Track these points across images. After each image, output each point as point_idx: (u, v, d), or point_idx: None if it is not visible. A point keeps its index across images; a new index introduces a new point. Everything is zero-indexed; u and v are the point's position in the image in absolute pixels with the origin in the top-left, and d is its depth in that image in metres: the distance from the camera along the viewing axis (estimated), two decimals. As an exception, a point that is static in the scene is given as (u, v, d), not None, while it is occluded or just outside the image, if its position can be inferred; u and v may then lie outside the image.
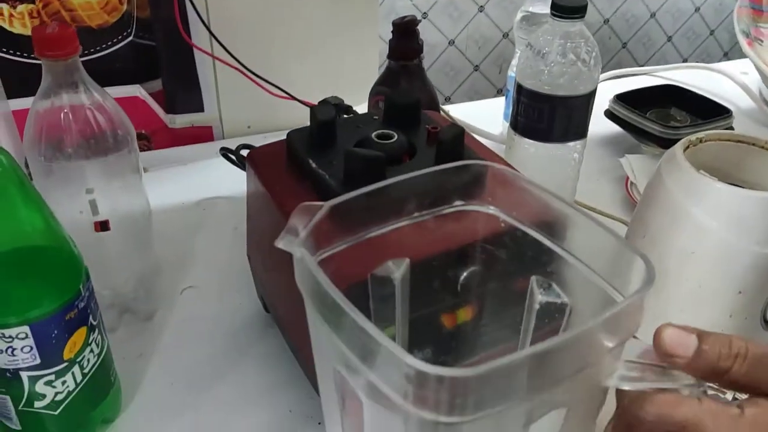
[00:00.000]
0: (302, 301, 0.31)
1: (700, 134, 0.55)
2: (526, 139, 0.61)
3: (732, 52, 1.32)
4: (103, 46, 0.84)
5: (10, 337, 0.40)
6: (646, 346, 0.29)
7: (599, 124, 0.89)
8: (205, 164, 0.81)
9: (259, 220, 0.53)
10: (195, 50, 0.81)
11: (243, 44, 0.79)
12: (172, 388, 0.54)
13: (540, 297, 0.33)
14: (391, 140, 0.49)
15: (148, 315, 0.59)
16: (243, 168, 0.60)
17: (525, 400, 0.24)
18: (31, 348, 0.41)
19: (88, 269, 0.45)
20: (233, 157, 0.73)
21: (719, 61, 1.26)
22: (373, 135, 0.49)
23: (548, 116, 0.58)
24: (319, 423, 0.50)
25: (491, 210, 0.35)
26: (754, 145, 0.55)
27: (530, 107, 0.59)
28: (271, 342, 0.57)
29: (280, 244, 0.29)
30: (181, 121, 0.86)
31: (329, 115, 0.49)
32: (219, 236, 0.70)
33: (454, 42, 1.07)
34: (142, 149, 0.86)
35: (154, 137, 0.90)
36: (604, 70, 1.05)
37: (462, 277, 0.38)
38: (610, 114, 0.87)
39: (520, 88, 0.60)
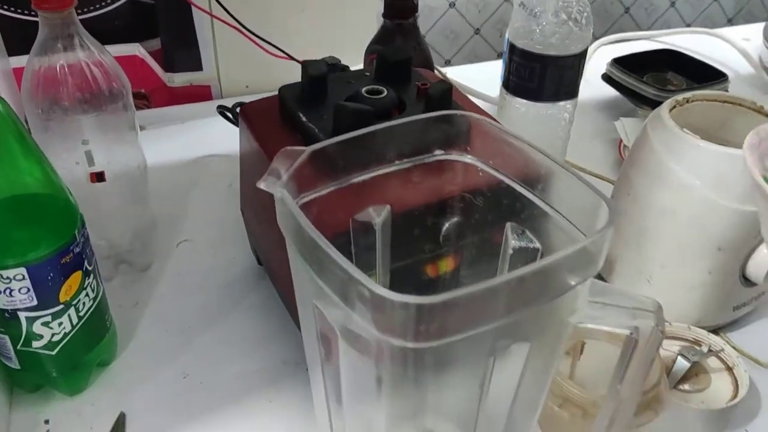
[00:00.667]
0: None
1: (687, 94, 0.56)
2: (518, 99, 0.61)
3: (736, 19, 1.31)
4: (102, 3, 0.84)
5: (7, 278, 0.42)
6: (611, 287, 0.31)
7: (596, 88, 0.90)
8: (202, 122, 0.82)
9: (252, 174, 0.54)
10: (193, 9, 0.82)
11: (242, 3, 0.79)
12: (166, 335, 0.55)
13: (513, 242, 0.34)
14: (381, 95, 0.50)
15: (144, 266, 0.61)
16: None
17: (488, 329, 0.26)
18: (28, 289, 0.43)
19: (83, 217, 0.46)
20: (230, 115, 0.74)
21: (722, 27, 1.25)
22: (363, 90, 0.50)
23: (539, 76, 0.59)
24: (308, 370, 0.52)
25: (470, 160, 0.36)
26: (740, 105, 0.56)
27: (522, 66, 0.60)
28: (264, 293, 0.59)
29: (262, 185, 0.30)
30: (179, 79, 0.87)
31: (320, 71, 0.50)
32: (214, 193, 0.71)
33: (454, 5, 1.07)
34: (140, 108, 0.87)
35: (152, 96, 0.91)
36: (605, 35, 1.05)
37: (443, 227, 0.39)
38: (607, 78, 0.87)
39: (512, 47, 0.60)
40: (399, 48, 0.52)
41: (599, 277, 0.59)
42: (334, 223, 0.28)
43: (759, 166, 0.38)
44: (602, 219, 0.29)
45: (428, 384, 0.29)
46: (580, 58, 0.59)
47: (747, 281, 0.53)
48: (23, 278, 0.42)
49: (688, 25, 1.27)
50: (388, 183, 0.35)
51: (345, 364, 0.31)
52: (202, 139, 0.79)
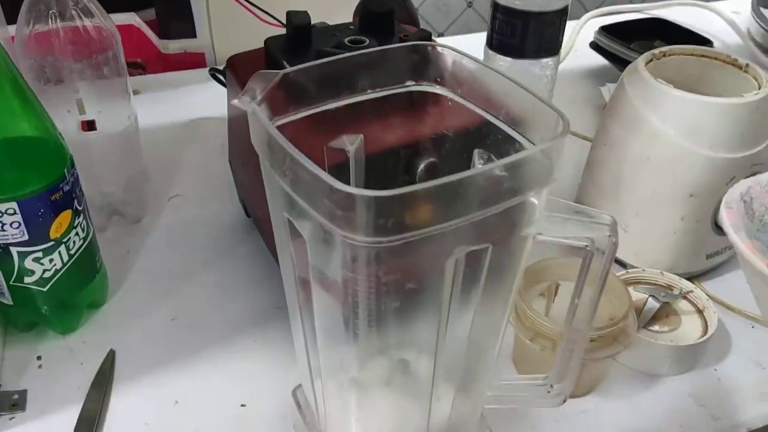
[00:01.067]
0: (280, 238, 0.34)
1: (664, 49, 0.57)
2: (500, 56, 0.63)
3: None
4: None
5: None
6: (569, 204, 0.32)
7: (585, 57, 0.91)
8: (196, 87, 0.83)
9: (238, 125, 0.56)
10: (187, -25, 0.83)
11: (234, -31, 0.80)
12: (156, 281, 0.57)
13: (479, 167, 0.35)
14: (363, 44, 0.51)
15: (136, 218, 0.63)
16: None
17: (445, 229, 0.27)
18: (20, 224, 0.45)
19: (73, 158, 0.48)
20: (221, 77, 0.76)
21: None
22: (346, 40, 0.52)
23: (521, 32, 0.60)
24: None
25: (440, 90, 0.37)
26: (716, 59, 0.57)
27: (504, 23, 0.61)
28: (251, 244, 0.60)
29: (236, 102, 0.32)
30: (173, 46, 0.88)
31: (304, 20, 0.52)
32: (206, 152, 0.72)
33: (448, -22, 1.08)
34: (135, 75, 0.89)
35: (148, 64, 0.92)
36: (597, 8, 1.06)
37: (415, 157, 0.41)
38: (595, 45, 0.89)
39: (495, 5, 0.61)
40: (382, 1, 0.54)
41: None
42: (307, 147, 0.29)
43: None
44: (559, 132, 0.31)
45: (391, 303, 0.31)
46: (561, 14, 0.60)
47: (719, 229, 0.55)
48: (14, 212, 0.44)
49: (681, 1, 1.28)
50: (361, 112, 0.37)
51: (318, 306, 0.33)
52: (196, 103, 0.80)
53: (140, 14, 0.90)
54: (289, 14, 0.52)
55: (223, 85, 0.75)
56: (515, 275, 0.33)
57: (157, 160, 0.69)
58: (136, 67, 0.93)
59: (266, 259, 0.58)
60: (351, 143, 0.38)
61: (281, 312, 0.54)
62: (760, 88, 0.53)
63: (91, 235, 0.50)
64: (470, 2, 1.10)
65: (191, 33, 0.88)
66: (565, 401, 0.40)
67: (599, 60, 0.89)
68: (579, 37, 0.96)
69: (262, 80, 0.33)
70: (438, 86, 0.37)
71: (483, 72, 0.36)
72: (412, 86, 0.38)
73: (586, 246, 0.33)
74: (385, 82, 0.37)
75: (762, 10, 0.97)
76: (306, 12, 0.52)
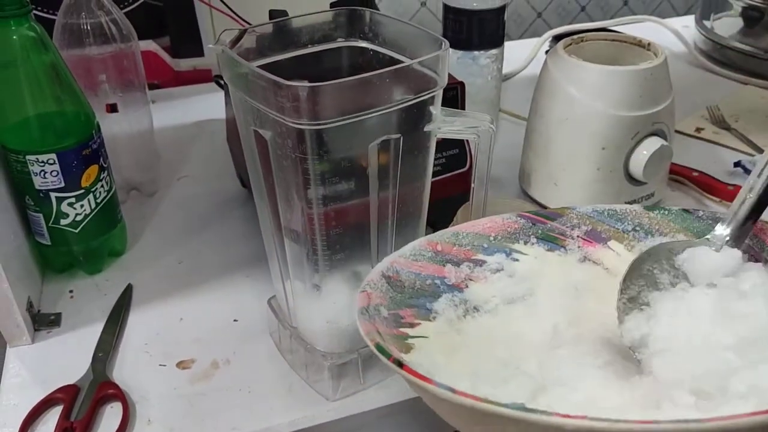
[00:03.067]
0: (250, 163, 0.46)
1: (581, 35, 0.69)
2: (452, 50, 0.75)
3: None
4: (120, 6, 1.00)
5: (42, 162, 0.56)
6: (459, 111, 0.44)
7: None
8: (203, 97, 0.97)
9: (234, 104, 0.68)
10: (195, 3, 0.97)
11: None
12: (166, 237, 0.69)
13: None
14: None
15: (150, 192, 0.75)
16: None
17: (366, 117, 0.39)
18: (57, 173, 0.57)
19: (99, 124, 0.60)
20: (224, 82, 0.89)
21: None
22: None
23: (467, 27, 0.73)
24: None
25: (364, 44, 0.49)
26: (626, 42, 0.69)
27: (454, 21, 0.74)
28: (247, 209, 0.72)
29: (210, 45, 0.44)
30: (184, 64, 1.02)
31: (281, 16, 0.65)
32: (211, 144, 0.85)
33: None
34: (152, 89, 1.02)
35: (163, 84, 1.06)
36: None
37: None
38: (550, 53, 1.01)
39: (446, 6, 0.74)
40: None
41: (524, 192, 0.71)
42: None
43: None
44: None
45: (334, 181, 0.42)
46: (499, 12, 0.73)
47: (632, 179, 0.66)
48: (54, 162, 0.56)
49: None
50: (304, 63, 0.49)
51: (280, 187, 0.45)
52: (204, 108, 0.93)
53: (157, 41, 1.05)
54: (270, 12, 0.65)
55: (223, 88, 0.88)
56: (426, 165, 0.45)
57: (168, 149, 0.81)
58: (154, 88, 1.06)
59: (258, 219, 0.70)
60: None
61: (269, 255, 0.65)
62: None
63: (113, 190, 0.62)
64: (423, 2, 1.23)
65: (200, 52, 1.02)
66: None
67: (556, 66, 1.01)
68: (541, 50, 1.09)
69: (229, 34, 0.45)
70: (363, 41, 0.49)
71: (393, 23, 0.48)
72: (342, 42, 0.50)
73: (474, 137, 0.44)
74: (322, 40, 0.49)
75: (704, 22, 1.09)
76: (285, 10, 0.65)
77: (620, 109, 0.62)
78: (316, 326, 0.50)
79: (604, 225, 0.48)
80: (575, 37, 0.69)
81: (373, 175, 0.42)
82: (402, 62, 0.47)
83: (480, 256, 0.47)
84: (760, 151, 0.79)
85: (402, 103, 0.41)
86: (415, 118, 0.42)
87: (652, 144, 0.64)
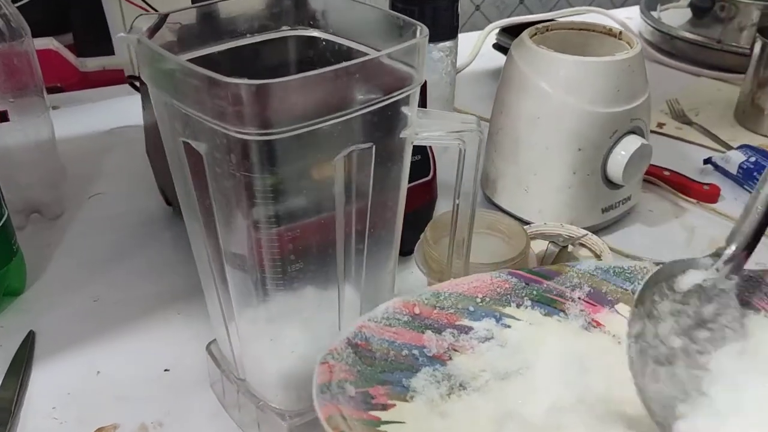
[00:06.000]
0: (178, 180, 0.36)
1: (547, 24, 0.62)
2: (403, 43, 0.67)
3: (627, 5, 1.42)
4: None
5: None
6: (438, 112, 0.36)
7: (489, 59, 0.97)
8: (115, 101, 0.85)
9: (152, 108, 0.58)
10: (102, -7, 0.86)
11: (148, -15, 0.83)
12: (77, 268, 0.58)
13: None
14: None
15: (55, 215, 0.63)
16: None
17: (325, 127, 0.30)
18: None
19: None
20: (138, 84, 0.78)
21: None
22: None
23: (418, 18, 0.65)
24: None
25: (315, 33, 0.41)
26: (593, 30, 0.63)
27: (404, 11, 0.65)
28: (174, 230, 0.62)
29: (122, 34, 0.34)
30: (92, 64, 0.90)
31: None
32: (126, 155, 0.74)
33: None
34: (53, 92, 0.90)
35: (67, 87, 0.93)
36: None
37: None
38: (498, 46, 0.95)
39: (394, -2, 0.66)
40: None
41: (488, 200, 0.64)
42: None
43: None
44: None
45: (290, 203, 0.33)
46: (452, 2, 0.65)
47: (610, 182, 0.59)
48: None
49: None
50: (240, 57, 0.40)
51: (220, 217, 0.35)
52: (115, 114, 0.81)
53: (59, 38, 0.92)
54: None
55: (140, 91, 0.77)
56: (401, 178, 0.37)
57: (76, 163, 0.70)
58: (56, 92, 0.93)
59: (189, 241, 0.59)
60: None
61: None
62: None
63: (5, 215, 0.51)
64: None
65: (109, 50, 0.90)
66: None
67: (502, 60, 0.95)
68: (484, 45, 1.03)
69: (145, 20, 0.36)
70: (314, 30, 0.41)
71: (351, 6, 0.39)
72: (287, 31, 0.41)
73: (458, 143, 0.36)
74: (263, 28, 0.40)
75: (651, 13, 1.06)
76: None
77: (597, 104, 0.56)
78: (270, 378, 0.40)
79: (610, 285, 0.41)
80: (540, 26, 0.62)
81: (340, 194, 0.34)
82: (365, 54, 0.38)
83: (465, 322, 0.39)
84: (727, 146, 0.75)
85: (376, 103, 0.32)
86: (389, 122, 0.34)
87: (632, 143, 0.58)
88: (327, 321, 0.39)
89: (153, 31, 0.35)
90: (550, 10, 1.33)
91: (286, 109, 0.29)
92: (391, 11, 0.37)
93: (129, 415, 0.45)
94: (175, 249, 0.60)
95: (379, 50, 0.37)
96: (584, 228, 0.59)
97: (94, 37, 0.88)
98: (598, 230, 0.62)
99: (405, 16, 0.35)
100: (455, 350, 0.38)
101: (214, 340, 0.46)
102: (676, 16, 1.00)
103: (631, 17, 1.16)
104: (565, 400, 0.35)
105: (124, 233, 0.62)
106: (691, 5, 0.97)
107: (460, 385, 0.37)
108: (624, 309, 0.40)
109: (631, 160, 0.57)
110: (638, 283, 0.40)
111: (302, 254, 0.35)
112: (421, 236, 0.50)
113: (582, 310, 0.40)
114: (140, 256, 0.59)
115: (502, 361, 0.38)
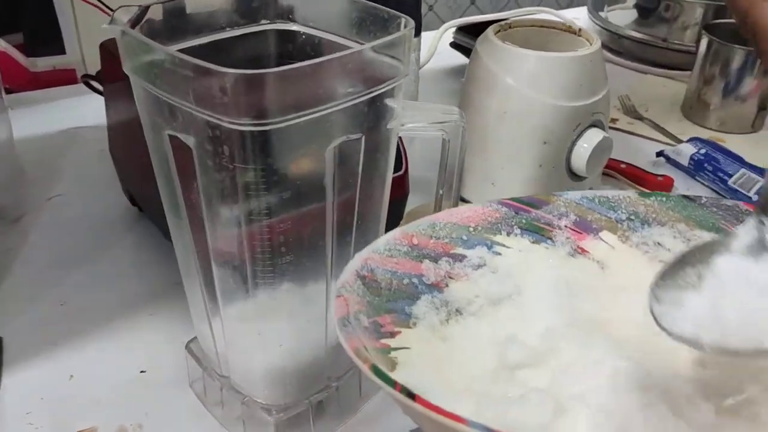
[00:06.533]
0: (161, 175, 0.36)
1: (510, 21, 0.64)
2: (367, 41, 0.68)
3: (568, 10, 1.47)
4: (-42, -4, 0.84)
5: None
6: (423, 104, 0.37)
7: (446, 58, 0.99)
8: (69, 102, 0.82)
9: (118, 105, 0.57)
10: (52, -10, 0.83)
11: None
12: (41, 273, 0.56)
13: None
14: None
15: (14, 217, 0.61)
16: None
17: (317, 117, 0.31)
18: None
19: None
20: (94, 84, 0.76)
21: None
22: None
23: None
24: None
25: (293, 27, 0.41)
26: (554, 28, 0.64)
27: (367, 10, 0.66)
28: (141, 230, 0.61)
29: (105, 25, 0.33)
30: (42, 63, 0.87)
31: None
32: (85, 156, 0.72)
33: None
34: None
35: (17, 89, 0.90)
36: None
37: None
38: (455, 45, 0.96)
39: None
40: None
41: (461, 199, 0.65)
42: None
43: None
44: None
45: (282, 194, 0.33)
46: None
47: (574, 175, 0.61)
48: None
49: (530, 17, 1.41)
50: (217, 51, 0.39)
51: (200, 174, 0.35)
52: (69, 115, 0.79)
53: (7, 38, 0.88)
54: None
55: (96, 91, 0.75)
56: (387, 169, 0.37)
57: (34, 165, 0.68)
58: (6, 92, 0.90)
59: (159, 241, 0.58)
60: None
61: (178, 287, 0.54)
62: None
63: (-32, 219, 0.49)
64: None
65: (60, 49, 0.87)
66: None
67: (460, 58, 0.97)
68: (440, 43, 1.04)
69: (126, 13, 0.35)
70: (293, 23, 0.41)
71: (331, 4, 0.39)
72: (266, 24, 0.41)
73: (442, 134, 0.37)
74: (243, 22, 0.40)
75: (599, 13, 1.09)
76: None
77: (561, 99, 0.58)
78: (257, 373, 0.40)
79: (595, 214, 0.42)
80: (503, 23, 0.63)
81: (330, 185, 0.34)
82: (347, 47, 0.38)
83: (459, 250, 0.40)
84: (676, 139, 0.78)
85: (366, 94, 0.32)
86: (377, 113, 0.34)
87: (594, 136, 0.59)
88: (314, 314, 0.39)
89: (134, 22, 0.35)
90: (500, 11, 1.36)
91: (281, 99, 0.29)
92: (376, 5, 0.37)
93: (107, 418, 0.44)
94: (142, 250, 0.59)
95: (361, 43, 0.38)
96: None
97: (45, 36, 0.86)
98: (562, 222, 0.63)
99: (391, 9, 0.36)
100: (451, 278, 0.39)
101: (194, 338, 0.45)
102: (623, 16, 1.03)
103: (578, 17, 1.20)
104: (557, 324, 0.37)
105: (88, 235, 0.61)
106: (636, 6, 1.00)
107: (457, 310, 0.38)
108: (608, 236, 0.42)
109: (593, 153, 0.59)
110: (622, 212, 0.42)
111: (292, 247, 0.35)
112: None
113: (568, 238, 0.42)
114: (106, 258, 0.58)
115: (495, 287, 0.39)
